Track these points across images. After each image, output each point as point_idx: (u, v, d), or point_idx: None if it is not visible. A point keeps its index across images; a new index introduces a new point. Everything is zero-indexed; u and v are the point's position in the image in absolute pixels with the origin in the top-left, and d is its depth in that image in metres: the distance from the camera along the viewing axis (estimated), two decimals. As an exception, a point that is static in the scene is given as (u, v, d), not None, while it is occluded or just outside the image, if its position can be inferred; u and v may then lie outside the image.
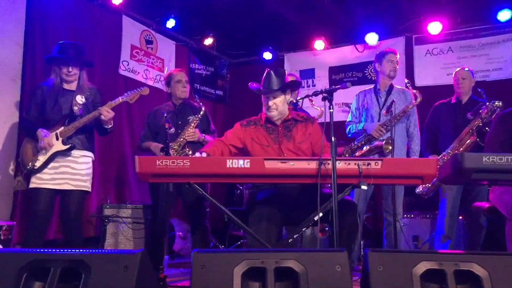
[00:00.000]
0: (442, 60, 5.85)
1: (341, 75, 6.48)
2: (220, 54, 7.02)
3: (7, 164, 4.19)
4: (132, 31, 5.58)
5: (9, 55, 4.29)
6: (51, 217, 3.59)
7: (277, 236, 2.81)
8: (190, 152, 3.85)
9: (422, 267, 1.93)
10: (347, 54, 6.46)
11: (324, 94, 2.64)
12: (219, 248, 5.33)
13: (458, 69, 4.43)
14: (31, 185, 3.45)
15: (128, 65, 5.51)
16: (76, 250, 2.00)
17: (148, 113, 4.23)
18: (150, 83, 5.69)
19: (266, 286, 1.87)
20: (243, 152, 3.19)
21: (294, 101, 3.14)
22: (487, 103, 3.98)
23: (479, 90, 4.10)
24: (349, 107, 4.65)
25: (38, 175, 3.45)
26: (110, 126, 3.63)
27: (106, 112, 3.50)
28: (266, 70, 3.18)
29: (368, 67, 6.21)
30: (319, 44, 6.42)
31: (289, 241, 2.78)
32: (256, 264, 1.91)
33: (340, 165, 2.45)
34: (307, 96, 3.03)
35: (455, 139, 4.07)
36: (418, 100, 4.14)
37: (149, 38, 5.83)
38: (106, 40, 5.27)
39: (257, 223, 2.74)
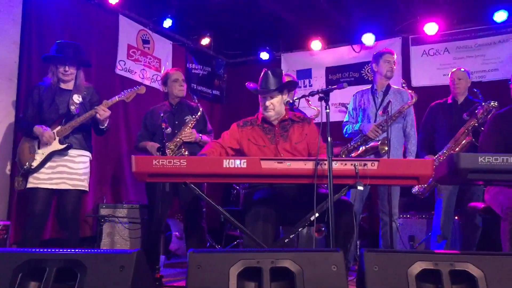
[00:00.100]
0: (439, 61, 5.87)
1: (338, 75, 6.49)
2: (217, 54, 7.01)
3: (4, 164, 4.18)
4: (128, 31, 5.57)
5: (5, 54, 4.27)
6: (48, 217, 3.58)
7: (273, 236, 2.81)
8: (186, 153, 3.85)
9: (417, 267, 1.93)
10: (344, 54, 6.47)
11: (320, 94, 2.64)
12: (216, 248, 5.33)
13: (454, 69, 4.44)
14: (29, 185, 3.44)
15: (124, 64, 5.50)
16: (72, 250, 2.00)
17: (145, 113, 4.23)
18: (147, 82, 5.68)
19: (262, 286, 1.87)
20: (240, 153, 3.20)
21: (291, 101, 3.14)
22: (483, 103, 4.00)
23: (475, 90, 4.12)
24: (346, 107, 4.65)
25: (35, 174, 3.44)
26: (105, 125, 3.62)
27: (102, 111, 3.49)
28: (263, 70, 3.18)
29: (365, 67, 6.22)
30: (316, 44, 6.43)
31: (285, 241, 2.78)
32: (252, 264, 1.91)
33: (336, 165, 2.46)
34: (303, 96, 3.03)
35: (451, 139, 4.09)
36: (413, 100, 4.15)
37: (146, 37, 5.82)
38: (102, 39, 5.26)
39: (254, 223, 2.75)
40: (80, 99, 3.59)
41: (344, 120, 4.46)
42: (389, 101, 4.02)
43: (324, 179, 2.46)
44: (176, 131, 3.95)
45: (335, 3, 5.56)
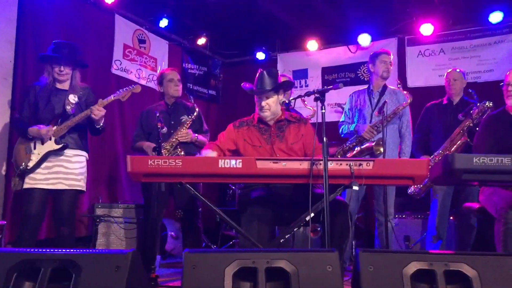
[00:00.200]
0: (434, 61, 5.88)
1: (334, 76, 6.50)
2: (213, 54, 7.01)
3: (-1, 164, 4.17)
4: (124, 30, 5.56)
5: (0, 54, 4.26)
6: (43, 217, 3.56)
7: (269, 236, 2.81)
8: (182, 153, 3.85)
9: (412, 267, 1.94)
10: (340, 54, 6.48)
11: (316, 95, 2.65)
12: (211, 248, 5.33)
13: (449, 70, 4.45)
14: (25, 186, 3.42)
15: (120, 64, 5.49)
16: (67, 250, 1.99)
17: (141, 113, 4.22)
18: (143, 82, 5.67)
19: (257, 286, 1.88)
20: (237, 154, 3.20)
21: (287, 102, 3.15)
22: (478, 104, 4.01)
23: (470, 91, 4.13)
24: (342, 108, 4.66)
25: (31, 175, 3.43)
26: (101, 125, 3.60)
27: (97, 111, 3.48)
28: (259, 70, 3.18)
29: (361, 67, 6.23)
30: (312, 45, 6.44)
31: (281, 241, 2.79)
32: (247, 264, 1.91)
33: (332, 165, 2.46)
34: (299, 96, 3.04)
35: (447, 139, 4.10)
36: (408, 101, 4.16)
37: (142, 37, 5.81)
38: (98, 39, 5.24)
39: (249, 223, 2.75)
40: (76, 99, 3.58)
41: (340, 120, 4.47)
42: (385, 102, 4.03)
43: (319, 179, 2.47)
44: (172, 131, 3.94)
45: (331, 3, 5.56)
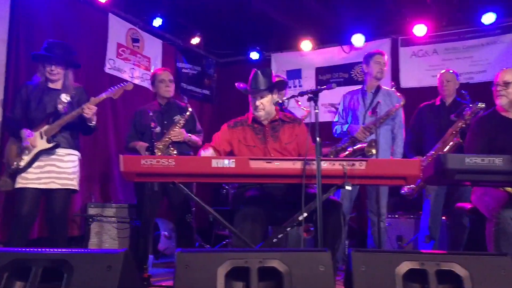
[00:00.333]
0: (427, 62, 5.90)
1: (328, 76, 6.51)
2: (207, 54, 7.00)
3: (-9, 163, 4.13)
4: (118, 29, 5.54)
5: (-8, 52, 4.23)
6: (35, 217, 3.53)
7: (262, 236, 2.81)
8: (175, 152, 3.85)
9: (404, 267, 1.95)
10: (333, 54, 6.49)
11: (309, 95, 2.65)
12: (205, 247, 5.32)
13: (442, 71, 4.47)
14: (17, 185, 3.40)
15: (114, 63, 5.47)
16: (58, 250, 1.98)
17: (134, 113, 4.21)
18: (136, 82, 5.64)
19: (249, 286, 1.88)
20: (231, 154, 3.19)
21: (280, 102, 3.15)
22: (471, 105, 4.03)
23: (463, 92, 4.14)
24: (335, 108, 4.67)
25: (23, 174, 3.40)
26: (93, 123, 3.58)
27: (88, 109, 3.45)
28: (253, 70, 3.18)
29: (355, 68, 6.25)
30: (306, 45, 6.44)
31: (274, 241, 2.78)
32: (240, 264, 1.91)
33: (325, 165, 2.47)
34: (292, 96, 3.04)
35: (439, 140, 4.11)
36: (402, 103, 4.17)
37: (135, 36, 5.79)
38: (92, 38, 5.22)
39: (242, 223, 2.75)
40: (68, 98, 3.55)
41: (334, 120, 4.48)
42: (378, 102, 4.04)
43: (312, 179, 2.47)
44: (165, 131, 3.94)
45: (325, 3, 5.58)
